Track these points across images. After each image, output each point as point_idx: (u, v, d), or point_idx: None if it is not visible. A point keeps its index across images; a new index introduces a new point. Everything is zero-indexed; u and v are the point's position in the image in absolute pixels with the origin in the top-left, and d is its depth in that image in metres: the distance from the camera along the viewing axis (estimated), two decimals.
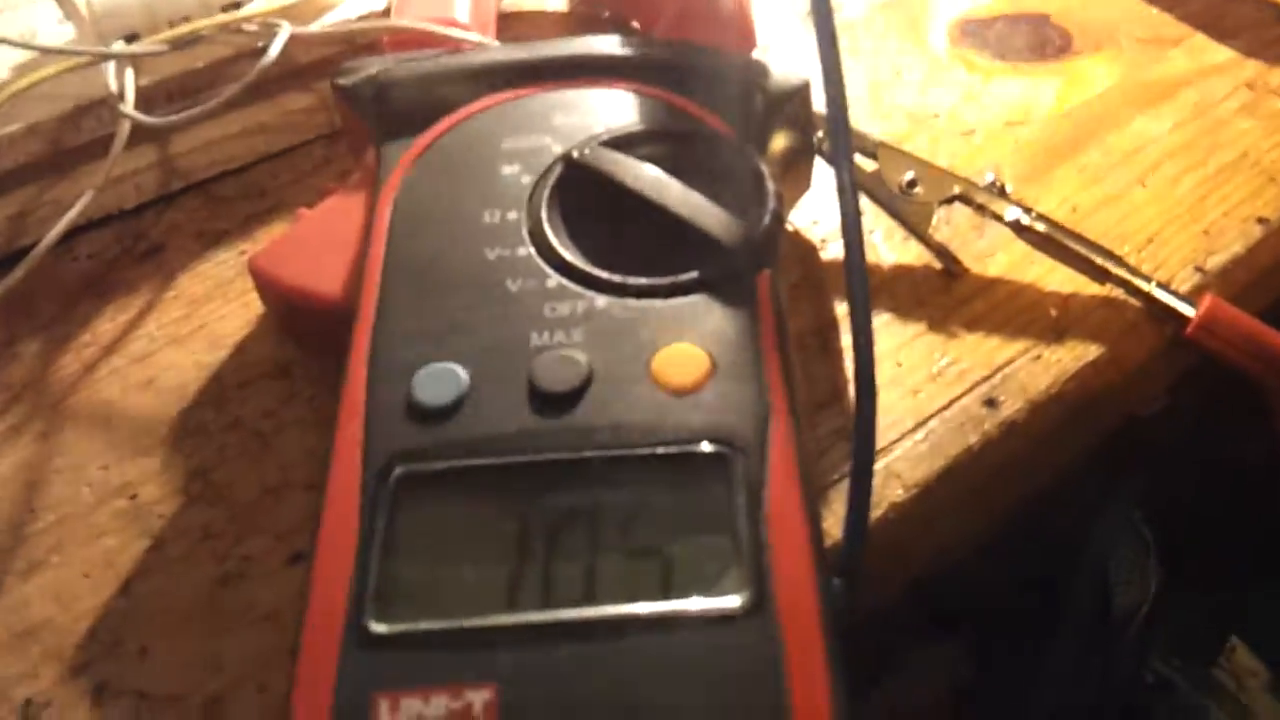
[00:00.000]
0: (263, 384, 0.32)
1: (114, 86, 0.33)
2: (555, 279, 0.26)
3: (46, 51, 0.33)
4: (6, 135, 0.34)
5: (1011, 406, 0.30)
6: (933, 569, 0.31)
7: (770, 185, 0.27)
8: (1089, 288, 0.33)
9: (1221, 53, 0.42)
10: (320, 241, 0.29)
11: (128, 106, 0.32)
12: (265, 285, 0.30)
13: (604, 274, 0.26)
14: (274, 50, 0.33)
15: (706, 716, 0.19)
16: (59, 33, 0.37)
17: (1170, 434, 0.41)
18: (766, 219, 0.26)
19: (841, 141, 0.26)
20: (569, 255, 0.26)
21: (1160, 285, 0.32)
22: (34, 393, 0.32)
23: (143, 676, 0.26)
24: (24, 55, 0.35)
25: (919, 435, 0.30)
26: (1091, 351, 0.32)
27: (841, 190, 0.26)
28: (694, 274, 0.25)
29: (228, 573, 0.28)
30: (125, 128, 0.33)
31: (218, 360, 0.32)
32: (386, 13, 0.36)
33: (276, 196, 0.37)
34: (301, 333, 0.31)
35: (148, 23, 0.35)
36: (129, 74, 0.33)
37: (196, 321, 0.34)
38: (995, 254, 0.34)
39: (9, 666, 0.26)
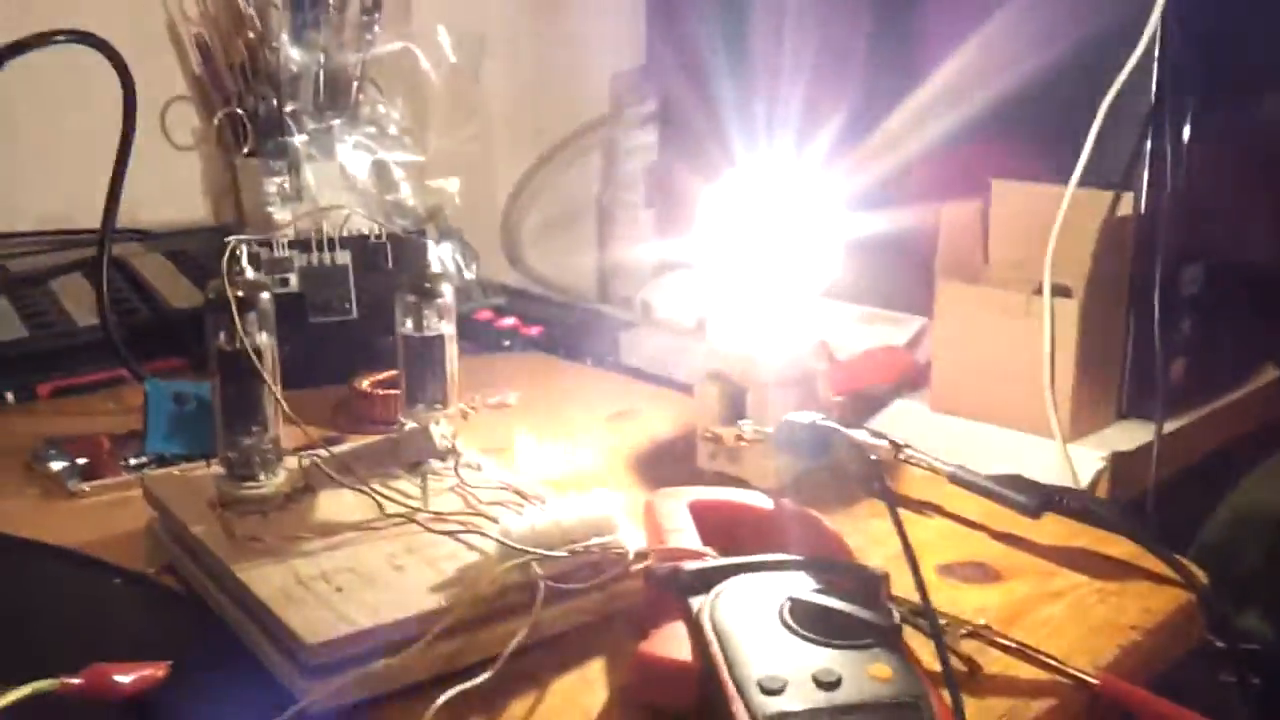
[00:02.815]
0: None
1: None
2: (811, 641, 0.56)
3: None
4: None
5: None
6: None
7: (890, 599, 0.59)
8: (1040, 674, 0.64)
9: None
10: (673, 641, 0.59)
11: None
12: (652, 663, 0.59)
13: (834, 639, 0.56)
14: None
15: None
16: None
17: None
18: (897, 616, 0.58)
19: (931, 616, 0.59)
20: (810, 635, 0.56)
21: (1080, 671, 0.63)
22: None
23: None
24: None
25: None
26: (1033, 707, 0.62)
27: (939, 649, 0.57)
28: (870, 639, 0.56)
29: None
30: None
31: None
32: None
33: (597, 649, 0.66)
34: (664, 689, 0.59)
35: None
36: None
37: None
38: (991, 658, 0.65)
39: None
